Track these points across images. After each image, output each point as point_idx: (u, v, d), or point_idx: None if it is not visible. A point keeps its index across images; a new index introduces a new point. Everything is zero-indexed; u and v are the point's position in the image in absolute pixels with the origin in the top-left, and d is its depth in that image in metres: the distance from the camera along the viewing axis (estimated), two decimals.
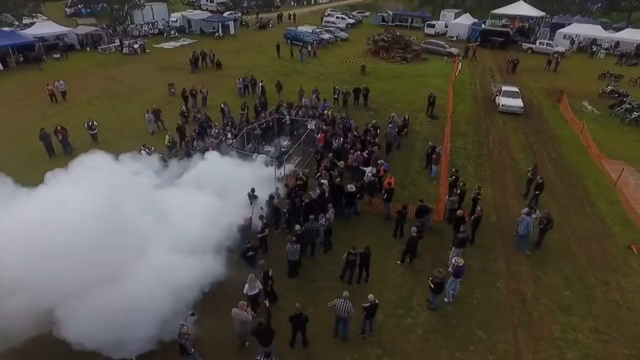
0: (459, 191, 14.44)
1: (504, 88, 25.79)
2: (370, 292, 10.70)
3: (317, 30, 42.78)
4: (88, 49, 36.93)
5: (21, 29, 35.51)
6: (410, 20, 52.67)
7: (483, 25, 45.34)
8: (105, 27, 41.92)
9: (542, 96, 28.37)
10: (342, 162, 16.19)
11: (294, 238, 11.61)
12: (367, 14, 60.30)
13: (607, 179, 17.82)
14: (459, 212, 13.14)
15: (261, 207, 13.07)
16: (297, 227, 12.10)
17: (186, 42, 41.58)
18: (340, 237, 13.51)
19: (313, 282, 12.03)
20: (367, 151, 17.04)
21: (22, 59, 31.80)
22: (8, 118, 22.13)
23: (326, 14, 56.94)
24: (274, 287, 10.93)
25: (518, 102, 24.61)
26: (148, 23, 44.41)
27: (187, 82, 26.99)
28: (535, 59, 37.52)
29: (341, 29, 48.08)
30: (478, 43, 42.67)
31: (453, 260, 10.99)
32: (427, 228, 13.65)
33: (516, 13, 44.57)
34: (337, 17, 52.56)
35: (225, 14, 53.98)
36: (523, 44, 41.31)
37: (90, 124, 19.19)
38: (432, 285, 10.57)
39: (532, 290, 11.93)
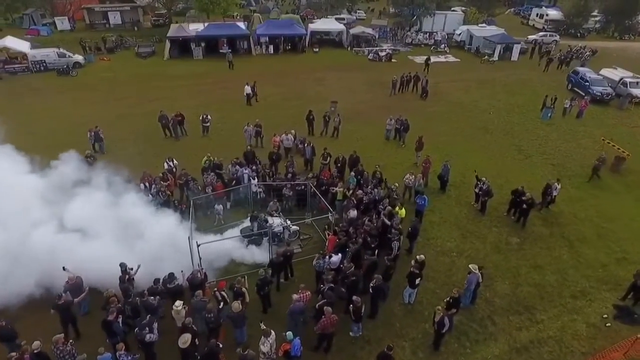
0: None
1: None
2: None
3: (629, 80, 27.37)
4: (349, 48, 38.98)
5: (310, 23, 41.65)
6: None
7: None
8: (387, 30, 42.83)
9: None
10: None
11: None
12: None
13: None
14: None
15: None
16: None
17: (446, 59, 36.61)
18: None
19: None
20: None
21: (289, 47, 37.57)
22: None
23: None
24: None
25: None
26: (426, 32, 41.79)
27: (371, 102, 26.00)
28: None
29: None
30: None
31: None
32: None
33: None
34: None
35: (538, 34, 43.55)
36: None
37: (204, 116, 20.61)
38: None
39: None
